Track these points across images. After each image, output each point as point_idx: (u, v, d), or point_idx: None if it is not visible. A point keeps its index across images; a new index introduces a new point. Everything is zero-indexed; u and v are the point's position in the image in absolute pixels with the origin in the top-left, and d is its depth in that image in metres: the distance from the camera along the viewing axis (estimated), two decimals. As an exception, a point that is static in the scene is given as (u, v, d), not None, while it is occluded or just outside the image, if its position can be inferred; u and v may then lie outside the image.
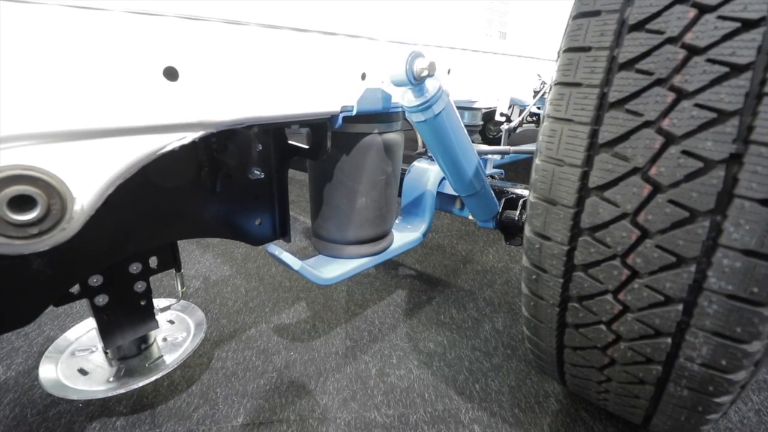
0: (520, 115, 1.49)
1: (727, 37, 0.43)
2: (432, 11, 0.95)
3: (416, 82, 0.71)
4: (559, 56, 0.56)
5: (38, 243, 0.47)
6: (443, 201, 1.22)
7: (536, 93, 1.52)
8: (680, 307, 0.47)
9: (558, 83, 0.55)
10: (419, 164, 1.19)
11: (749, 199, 0.41)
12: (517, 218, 1.10)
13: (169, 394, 0.96)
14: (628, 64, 0.48)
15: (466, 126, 0.94)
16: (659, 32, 0.47)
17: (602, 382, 0.63)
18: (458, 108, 0.91)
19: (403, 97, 0.78)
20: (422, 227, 1.15)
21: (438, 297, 1.40)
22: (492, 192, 1.08)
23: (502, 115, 1.42)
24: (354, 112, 0.78)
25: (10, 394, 0.95)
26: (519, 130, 1.47)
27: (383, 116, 0.88)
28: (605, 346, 0.56)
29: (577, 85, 0.52)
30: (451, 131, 0.83)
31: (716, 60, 0.43)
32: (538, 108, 1.55)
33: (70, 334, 0.97)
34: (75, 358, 0.90)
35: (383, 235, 1.03)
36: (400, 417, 0.92)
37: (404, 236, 1.12)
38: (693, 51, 0.45)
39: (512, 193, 1.14)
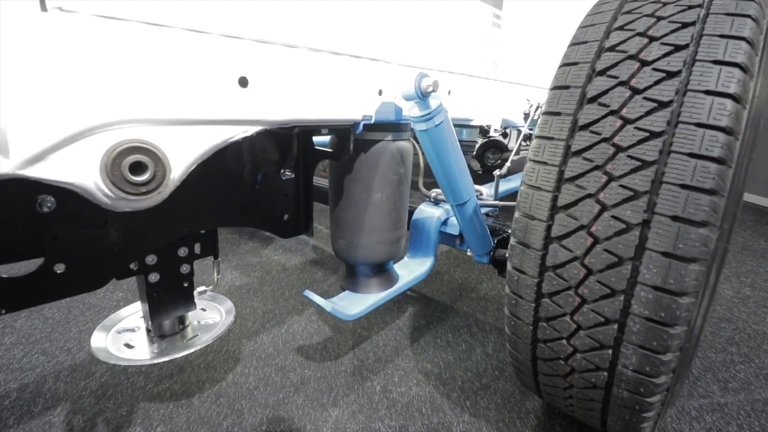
0: (516, 139, 1.68)
1: (641, 141, 0.64)
2: (436, 41, 1.16)
3: (422, 97, 0.89)
4: (533, 139, 0.77)
5: (144, 201, 0.60)
6: (446, 238, 1.40)
7: (526, 115, 1.72)
8: (615, 326, 0.66)
9: (531, 160, 0.75)
10: (425, 207, 1.39)
11: (655, 251, 0.61)
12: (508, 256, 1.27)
13: (200, 404, 1.10)
14: (578, 153, 0.69)
15: (464, 141, 1.09)
16: (598, 133, 0.68)
17: (566, 388, 0.80)
18: (457, 125, 1.06)
19: (411, 111, 0.96)
20: (428, 262, 1.33)
21: (436, 322, 1.55)
22: (487, 229, 1.25)
23: (495, 131, 1.64)
24: (372, 121, 0.97)
25: (61, 404, 1.08)
26: (518, 157, 1.62)
27: (395, 126, 1.06)
28: (566, 357, 0.74)
29: (544, 163, 0.73)
30: (448, 142, 1.00)
31: (633, 156, 0.64)
32: (530, 130, 1.73)
33: (121, 312, 1.05)
34: (121, 335, 0.98)
35: (395, 257, 1.20)
36: (401, 428, 1.06)
37: (414, 270, 1.29)
38: (619, 149, 0.66)
39: (505, 233, 1.32)
